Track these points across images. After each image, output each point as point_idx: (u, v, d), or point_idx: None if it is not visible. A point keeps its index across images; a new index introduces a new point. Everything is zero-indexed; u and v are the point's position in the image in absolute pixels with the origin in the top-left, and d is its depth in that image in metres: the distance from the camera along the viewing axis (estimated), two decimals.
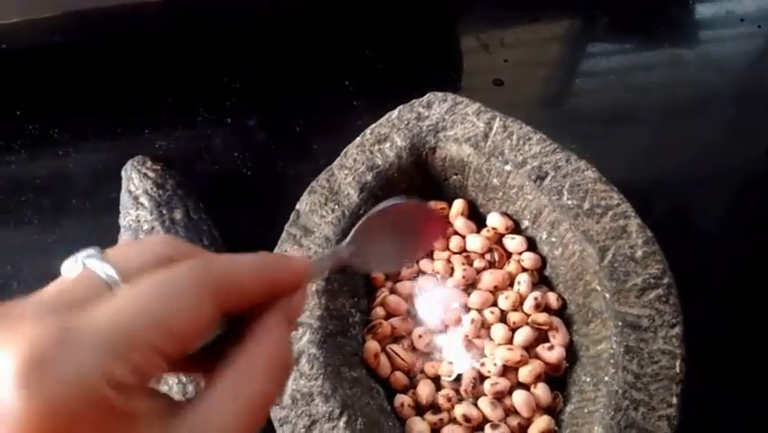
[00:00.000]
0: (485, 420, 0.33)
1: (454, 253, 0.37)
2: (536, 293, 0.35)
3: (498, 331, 0.35)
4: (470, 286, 0.37)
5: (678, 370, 0.30)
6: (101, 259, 0.17)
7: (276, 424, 0.31)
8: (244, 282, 0.17)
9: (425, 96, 0.39)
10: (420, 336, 0.35)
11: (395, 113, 0.38)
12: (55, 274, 0.49)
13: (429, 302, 0.36)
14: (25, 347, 0.13)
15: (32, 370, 0.13)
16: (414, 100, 0.39)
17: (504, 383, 0.33)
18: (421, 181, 0.39)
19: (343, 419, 0.30)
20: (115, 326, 0.14)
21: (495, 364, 0.34)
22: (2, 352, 0.13)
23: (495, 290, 0.36)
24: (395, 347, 0.35)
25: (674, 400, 0.30)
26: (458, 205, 0.39)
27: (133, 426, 0.15)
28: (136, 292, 0.15)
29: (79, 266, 0.17)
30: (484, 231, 0.38)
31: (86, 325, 0.14)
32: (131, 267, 0.17)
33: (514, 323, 0.35)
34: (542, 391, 0.33)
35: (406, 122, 0.38)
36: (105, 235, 0.45)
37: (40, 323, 0.14)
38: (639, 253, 0.33)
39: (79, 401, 0.13)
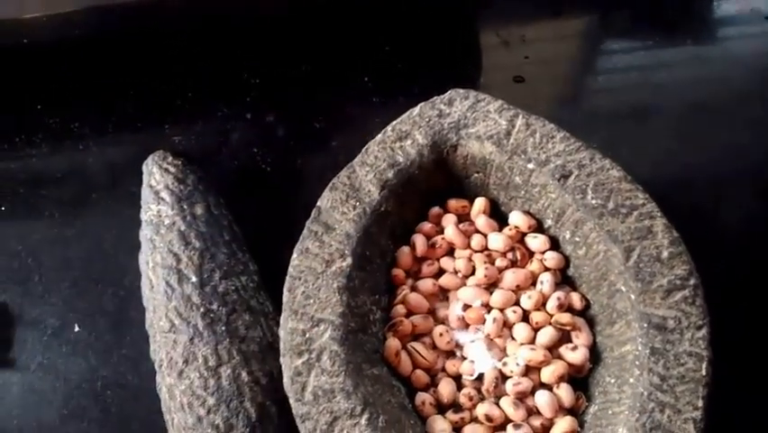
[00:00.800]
0: (507, 420, 0.33)
1: (476, 252, 0.37)
2: (559, 293, 0.35)
3: (521, 331, 0.34)
4: (491, 285, 0.36)
5: (704, 372, 0.30)
6: None
7: (297, 420, 0.31)
8: None
9: (447, 93, 0.38)
10: (441, 335, 0.35)
11: (416, 110, 0.38)
12: (76, 267, 0.49)
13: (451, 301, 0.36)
14: None
15: None
16: (435, 97, 0.38)
17: (526, 383, 0.33)
18: (442, 179, 0.38)
19: (365, 416, 0.30)
20: None
21: (517, 364, 0.33)
22: None
23: (517, 290, 0.36)
24: (416, 345, 0.35)
25: (700, 403, 0.29)
26: (479, 203, 0.38)
27: None
28: None
29: None
30: (506, 229, 0.38)
31: None
32: None
33: (537, 323, 0.35)
34: (565, 391, 0.33)
35: (427, 119, 0.38)
36: (124, 231, 0.46)
37: None
38: (665, 254, 0.32)
39: None
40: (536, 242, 0.37)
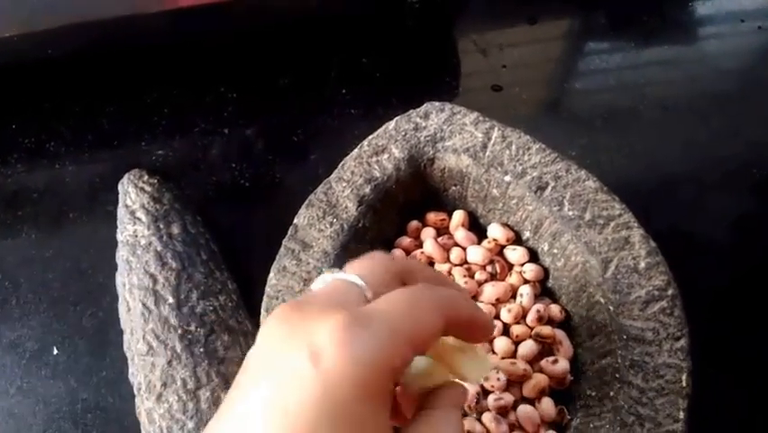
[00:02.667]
0: None
1: (455, 265, 0.37)
2: (539, 306, 0.35)
3: (501, 344, 0.34)
4: (471, 298, 0.36)
5: (684, 384, 0.30)
6: (348, 273, 0.22)
7: None
8: (461, 314, 0.21)
9: (423, 107, 0.38)
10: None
11: (392, 123, 0.38)
12: (53, 289, 0.48)
13: None
14: (338, 319, 0.18)
15: (346, 334, 0.18)
16: (411, 110, 0.38)
17: (508, 398, 0.33)
18: (420, 192, 0.38)
19: None
20: (392, 321, 0.19)
21: (498, 379, 0.33)
22: (322, 322, 0.18)
23: (497, 303, 0.35)
24: None
25: (681, 415, 0.29)
26: (458, 216, 0.38)
27: (383, 412, 0.18)
28: (395, 301, 0.20)
29: (328, 279, 0.22)
30: (485, 242, 0.37)
31: (372, 316, 0.19)
32: (373, 280, 0.21)
33: (517, 336, 0.34)
34: (546, 405, 0.33)
35: (403, 133, 0.37)
36: (102, 250, 0.45)
37: (339, 309, 0.19)
38: (642, 265, 0.32)
39: (376, 364, 0.18)
40: (515, 254, 0.36)
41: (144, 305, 0.37)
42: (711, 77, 0.54)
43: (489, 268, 0.37)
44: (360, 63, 0.53)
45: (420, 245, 0.38)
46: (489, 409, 0.33)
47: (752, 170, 0.48)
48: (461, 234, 0.37)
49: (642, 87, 0.53)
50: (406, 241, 0.38)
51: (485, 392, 0.34)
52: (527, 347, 0.34)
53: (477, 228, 0.39)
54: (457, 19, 0.57)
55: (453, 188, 0.38)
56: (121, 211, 0.42)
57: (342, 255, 0.35)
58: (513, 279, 0.36)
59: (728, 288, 0.42)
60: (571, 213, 0.34)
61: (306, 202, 0.36)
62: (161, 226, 0.40)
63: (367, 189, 0.36)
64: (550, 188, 0.35)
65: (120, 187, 0.43)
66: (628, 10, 0.57)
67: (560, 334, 0.34)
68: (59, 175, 0.50)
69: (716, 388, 0.34)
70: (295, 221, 0.35)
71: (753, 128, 0.50)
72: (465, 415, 0.33)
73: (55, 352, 0.44)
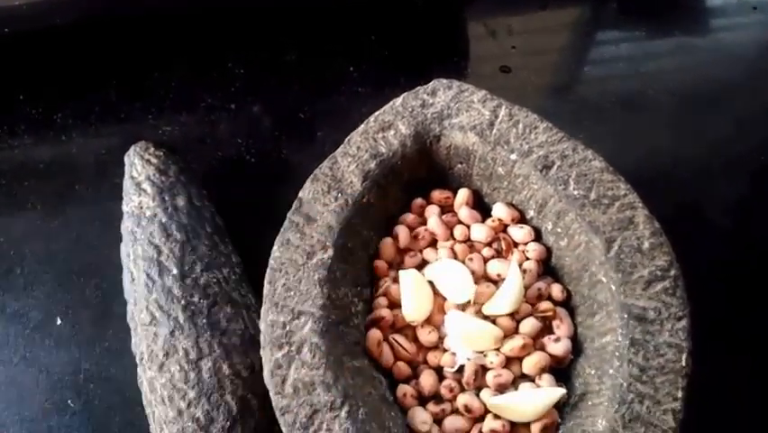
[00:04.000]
0: (487, 411, 0.33)
1: (458, 242, 0.37)
2: (541, 284, 0.35)
3: (503, 322, 0.34)
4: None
5: (684, 363, 0.30)
6: None
7: (277, 413, 0.31)
8: None
9: (430, 84, 0.38)
10: (422, 327, 0.35)
11: (399, 100, 0.38)
12: (58, 259, 0.49)
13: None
14: None
15: None
16: (418, 87, 0.38)
17: (507, 375, 0.33)
18: (425, 170, 0.38)
19: (345, 408, 0.30)
20: None
21: (497, 355, 0.33)
22: None
23: (499, 278, 0.35)
24: (397, 337, 0.35)
25: (680, 394, 0.29)
26: (462, 194, 0.38)
27: None
28: None
29: None
30: (489, 221, 0.37)
31: None
32: None
33: (518, 313, 0.34)
34: (546, 382, 0.33)
35: (410, 109, 0.37)
36: (108, 222, 0.45)
37: None
38: (646, 245, 0.32)
39: None
40: (520, 233, 0.36)
41: (148, 275, 0.38)
42: (722, 64, 0.54)
43: (494, 245, 0.37)
44: (368, 41, 0.53)
45: (424, 222, 0.38)
46: (488, 386, 0.33)
47: (760, 157, 0.48)
48: (464, 213, 0.37)
49: (652, 73, 0.53)
50: (410, 218, 0.38)
51: (485, 369, 0.34)
52: (529, 324, 0.34)
53: (481, 208, 0.39)
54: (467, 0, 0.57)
55: (459, 166, 0.38)
56: (127, 183, 0.42)
57: (346, 230, 0.35)
58: (515, 257, 0.36)
59: (730, 271, 0.42)
60: (576, 192, 0.34)
61: (312, 176, 0.36)
62: (167, 198, 0.40)
63: (372, 165, 0.36)
64: (556, 167, 0.34)
65: (126, 159, 0.43)
66: None
67: (561, 312, 0.35)
68: (66, 147, 0.51)
69: (714, 369, 0.34)
70: (300, 195, 0.35)
71: (763, 117, 0.50)
72: (464, 390, 0.34)
73: (59, 322, 0.45)
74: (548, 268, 0.37)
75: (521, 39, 0.53)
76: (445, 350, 0.35)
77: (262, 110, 0.51)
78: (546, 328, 0.35)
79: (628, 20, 0.56)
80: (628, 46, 0.55)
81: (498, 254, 0.37)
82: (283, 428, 0.30)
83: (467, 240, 0.37)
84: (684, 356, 0.30)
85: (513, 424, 0.32)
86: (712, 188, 0.46)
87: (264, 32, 0.54)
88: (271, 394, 0.31)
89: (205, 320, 0.36)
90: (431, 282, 0.35)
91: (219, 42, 0.54)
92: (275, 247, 0.34)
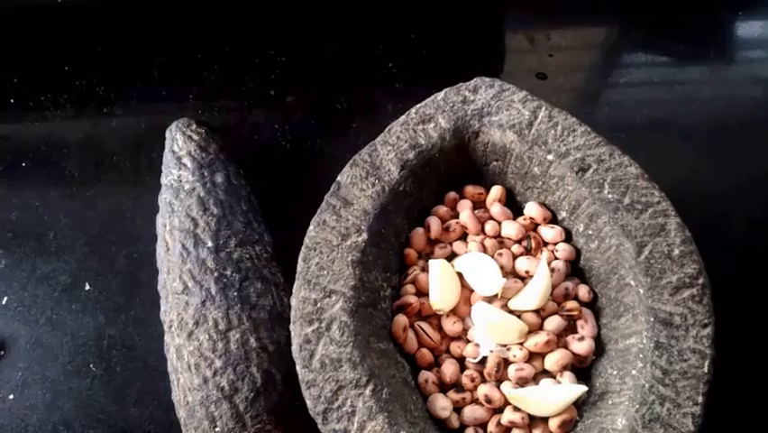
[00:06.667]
0: (506, 403, 0.33)
1: (489, 237, 0.38)
2: (568, 283, 0.36)
3: (529, 319, 0.35)
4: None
5: (706, 370, 0.30)
6: None
7: (303, 387, 0.31)
8: None
9: (473, 81, 0.39)
10: (448, 316, 0.36)
11: (441, 94, 0.39)
12: (91, 227, 0.49)
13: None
14: None
15: None
16: (461, 83, 0.39)
17: (529, 369, 0.34)
18: (461, 164, 0.39)
19: (370, 387, 0.31)
20: None
21: (520, 349, 0.34)
22: None
23: (527, 275, 0.36)
24: (423, 324, 0.35)
25: (700, 399, 0.30)
26: (495, 191, 0.39)
27: None
28: None
29: None
30: (520, 219, 0.38)
31: None
32: None
33: (544, 310, 0.35)
34: (567, 380, 0.33)
35: (451, 104, 0.38)
36: (142, 195, 0.47)
37: None
38: (676, 252, 0.33)
39: None
40: (552, 232, 0.37)
41: (184, 246, 0.39)
42: (754, 93, 0.54)
43: (524, 243, 0.37)
44: (408, 38, 0.54)
45: (456, 216, 0.39)
46: (509, 379, 0.34)
47: None
48: (496, 209, 0.38)
49: (685, 99, 0.53)
50: (442, 210, 0.39)
51: (506, 363, 0.34)
52: (554, 322, 0.34)
53: (513, 206, 0.39)
54: (508, 4, 0.57)
55: (495, 163, 0.39)
56: (167, 156, 0.43)
57: (381, 216, 0.36)
58: (545, 256, 0.37)
59: (755, 286, 0.42)
60: (610, 196, 0.34)
61: (351, 162, 0.37)
62: (206, 174, 0.41)
63: (411, 155, 0.37)
64: (592, 170, 0.35)
65: (168, 133, 0.44)
66: (679, 20, 0.57)
67: (586, 312, 0.35)
68: (107, 120, 0.52)
69: (734, 378, 0.34)
70: (338, 178, 0.36)
71: None
72: (485, 381, 0.34)
73: (87, 288, 0.46)
74: (576, 269, 0.37)
75: (559, 48, 0.54)
76: (468, 341, 0.35)
77: (300, 98, 0.52)
78: (571, 327, 0.35)
79: (666, 43, 0.57)
80: (664, 70, 0.55)
81: (528, 252, 0.37)
82: (308, 402, 0.31)
83: (497, 236, 0.38)
84: (707, 363, 0.31)
85: (531, 417, 0.33)
86: (741, 208, 0.46)
87: (307, 23, 0.55)
88: (298, 368, 0.32)
89: (236, 293, 0.37)
90: (459, 274, 0.36)
91: (263, 30, 0.55)
92: (311, 227, 0.35)
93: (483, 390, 0.33)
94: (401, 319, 0.35)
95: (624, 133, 0.49)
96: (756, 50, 0.58)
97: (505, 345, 0.34)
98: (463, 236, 0.38)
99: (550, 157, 0.36)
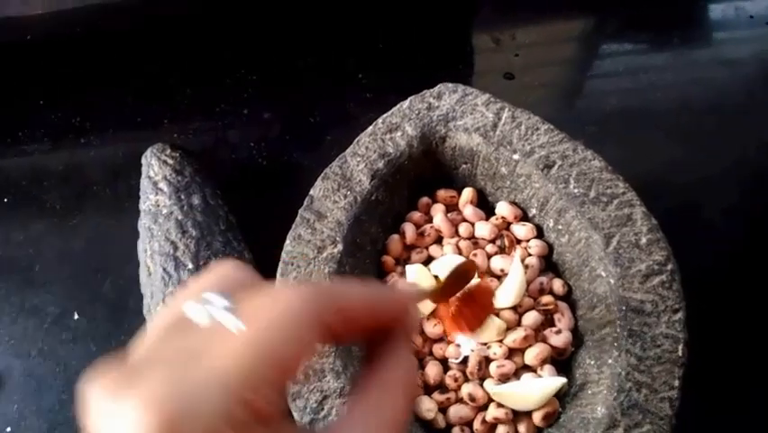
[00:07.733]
0: (490, 400, 0.34)
1: (463, 239, 0.38)
2: (543, 278, 0.36)
3: (506, 315, 0.35)
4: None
5: (680, 354, 0.31)
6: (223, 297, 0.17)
7: (289, 399, 0.32)
8: (353, 311, 0.18)
9: (436, 87, 0.40)
10: (428, 320, 0.36)
11: (406, 103, 0.39)
12: (76, 256, 0.50)
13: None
14: (153, 409, 0.14)
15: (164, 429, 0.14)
16: (425, 91, 0.40)
17: (509, 366, 0.34)
18: (431, 169, 0.40)
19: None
20: (234, 372, 0.15)
21: (500, 347, 0.34)
22: (131, 415, 0.14)
23: (502, 273, 0.37)
24: None
25: (676, 383, 0.31)
26: (467, 193, 0.39)
27: None
28: (252, 334, 0.16)
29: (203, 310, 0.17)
30: (492, 219, 0.39)
31: (205, 376, 0.15)
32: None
33: (520, 306, 0.36)
34: (547, 373, 0.34)
35: (416, 112, 0.39)
36: (123, 221, 0.47)
37: (159, 382, 0.15)
38: (644, 240, 0.33)
39: None
40: (523, 230, 0.38)
41: (165, 270, 0.39)
42: (721, 74, 0.55)
43: (498, 242, 0.38)
44: (377, 49, 0.55)
45: (430, 220, 0.39)
46: (491, 376, 0.34)
47: (757, 166, 0.49)
48: (469, 211, 0.39)
49: (652, 85, 0.54)
50: (416, 215, 0.39)
51: (488, 361, 0.35)
52: (531, 318, 0.35)
53: (485, 206, 0.40)
54: (473, 8, 0.58)
55: (464, 166, 0.39)
56: (144, 182, 0.43)
57: (355, 226, 0.36)
58: (518, 253, 0.37)
59: (723, 267, 0.43)
60: (576, 190, 0.35)
61: (322, 175, 0.37)
62: (182, 197, 0.42)
63: (380, 164, 0.38)
64: (557, 166, 0.36)
65: (143, 159, 0.45)
66: (641, 9, 0.58)
67: (562, 305, 0.36)
68: (84, 150, 0.52)
69: (709, 359, 0.35)
70: (311, 192, 0.37)
71: (760, 125, 0.51)
72: (467, 381, 0.35)
73: (76, 317, 0.46)
74: (549, 264, 0.38)
75: (525, 47, 0.55)
76: (450, 342, 0.36)
77: (273, 115, 0.53)
78: (548, 321, 0.36)
79: (630, 32, 0.58)
80: (629, 58, 0.56)
81: (502, 251, 0.38)
82: (294, 413, 0.32)
83: (471, 237, 0.38)
84: (680, 347, 0.31)
85: (515, 412, 0.34)
86: (711, 194, 0.47)
87: (276, 40, 0.56)
88: None
89: None
90: (436, 277, 0.37)
91: (233, 50, 0.56)
92: (287, 242, 0.36)
93: (467, 389, 0.34)
94: None
95: (594, 126, 0.50)
96: (719, 33, 0.59)
97: (485, 344, 0.35)
98: (438, 240, 0.39)
99: (516, 156, 0.37)
